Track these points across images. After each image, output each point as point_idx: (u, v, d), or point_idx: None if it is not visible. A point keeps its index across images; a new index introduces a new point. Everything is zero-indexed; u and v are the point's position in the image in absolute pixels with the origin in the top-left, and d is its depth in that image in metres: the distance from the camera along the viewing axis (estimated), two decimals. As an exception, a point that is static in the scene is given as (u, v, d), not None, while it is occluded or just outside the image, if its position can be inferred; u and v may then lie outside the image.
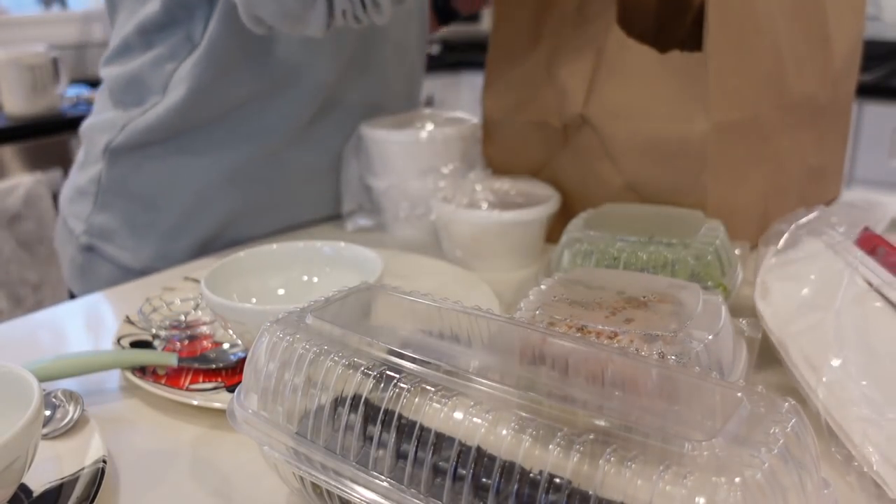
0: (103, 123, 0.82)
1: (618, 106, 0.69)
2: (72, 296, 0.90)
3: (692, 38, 0.70)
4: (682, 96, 0.65)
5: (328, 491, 0.36)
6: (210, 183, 0.82)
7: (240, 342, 0.56)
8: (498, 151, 0.82)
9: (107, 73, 0.84)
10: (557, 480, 0.29)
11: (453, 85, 2.56)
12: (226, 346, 0.58)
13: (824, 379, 0.45)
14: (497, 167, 0.81)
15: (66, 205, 0.88)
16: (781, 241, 0.57)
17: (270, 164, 0.83)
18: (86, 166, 0.85)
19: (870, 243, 0.55)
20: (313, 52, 0.80)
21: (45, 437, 0.45)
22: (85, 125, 0.87)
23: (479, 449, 0.31)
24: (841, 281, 0.52)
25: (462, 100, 2.57)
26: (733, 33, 0.64)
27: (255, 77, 0.79)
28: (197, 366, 0.55)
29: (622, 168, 0.70)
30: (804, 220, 0.60)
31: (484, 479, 0.30)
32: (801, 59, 0.70)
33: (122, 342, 0.59)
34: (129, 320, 0.62)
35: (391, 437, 0.33)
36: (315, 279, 0.63)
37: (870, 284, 0.52)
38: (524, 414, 0.31)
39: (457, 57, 2.50)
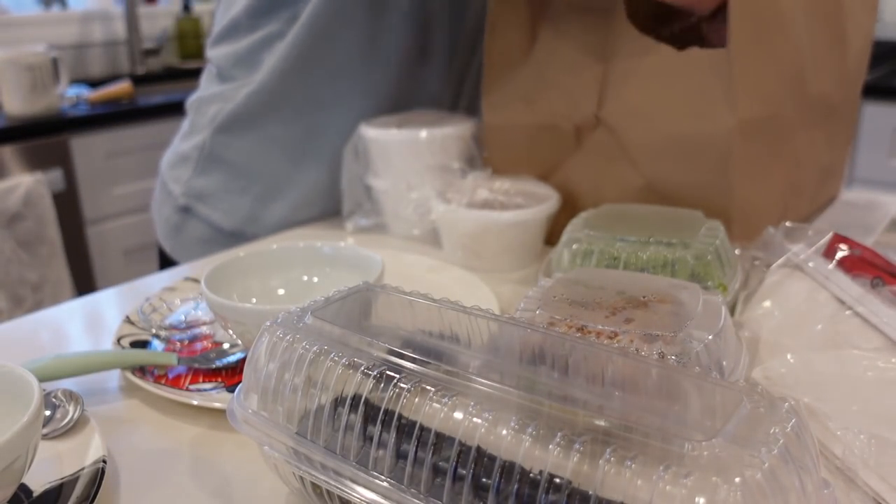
0: (212, 96, 0.91)
1: (636, 105, 0.68)
2: (162, 255, 0.97)
3: (689, 34, 0.70)
4: (706, 93, 0.64)
5: (328, 491, 0.36)
6: (301, 154, 0.88)
7: (240, 342, 0.56)
8: (503, 158, 0.80)
9: (215, 52, 0.92)
10: (557, 480, 0.29)
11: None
12: (226, 346, 0.58)
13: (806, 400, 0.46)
14: (503, 173, 0.79)
15: (167, 170, 0.96)
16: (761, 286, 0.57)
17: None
18: (191, 135, 0.93)
19: (833, 250, 0.56)
20: (397, 33, 0.86)
21: (45, 437, 0.45)
22: (193, 99, 0.95)
23: (479, 449, 0.31)
24: (813, 308, 0.53)
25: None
26: (756, 30, 0.62)
27: (348, 49, 0.85)
28: (197, 366, 0.55)
29: (642, 169, 0.69)
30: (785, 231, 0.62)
31: (484, 479, 0.30)
32: (820, 57, 0.68)
33: (122, 342, 0.59)
34: (129, 320, 0.62)
35: (391, 437, 0.33)
36: (315, 279, 0.63)
37: (841, 301, 0.53)
38: (524, 414, 0.31)
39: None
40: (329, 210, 0.92)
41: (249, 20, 0.88)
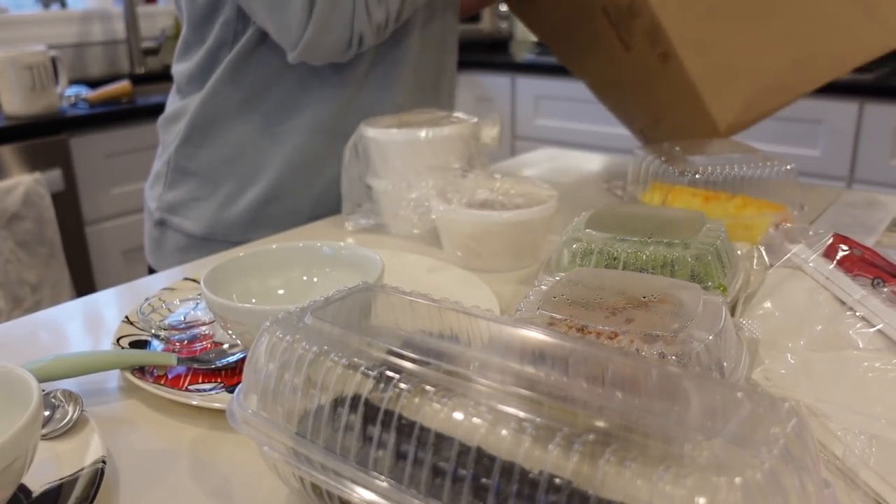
0: (172, 114, 0.97)
1: None
2: (151, 271, 1.03)
3: None
4: None
5: (328, 491, 0.36)
6: (259, 153, 0.93)
7: (239, 342, 0.56)
8: None
9: (175, 70, 0.97)
10: (557, 481, 0.29)
11: (453, 85, 2.55)
12: (225, 346, 0.58)
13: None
14: None
15: (147, 190, 1.02)
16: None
17: (313, 139, 0.92)
18: (161, 154, 1.00)
19: (833, 251, 0.56)
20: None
21: (44, 437, 0.45)
22: (160, 119, 1.00)
23: (479, 449, 0.31)
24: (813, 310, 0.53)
25: (462, 100, 2.57)
26: None
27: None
28: (197, 366, 0.55)
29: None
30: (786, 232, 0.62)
31: (484, 480, 0.30)
32: None
33: (122, 342, 0.59)
34: (128, 320, 0.62)
35: (391, 438, 0.33)
36: (315, 279, 0.63)
37: (841, 301, 0.53)
38: (524, 414, 0.31)
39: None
40: (294, 205, 0.95)
41: (194, 34, 0.93)
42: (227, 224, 0.95)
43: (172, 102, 0.99)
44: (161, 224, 0.98)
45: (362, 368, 0.35)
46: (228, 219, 0.95)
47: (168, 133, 0.98)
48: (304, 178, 0.94)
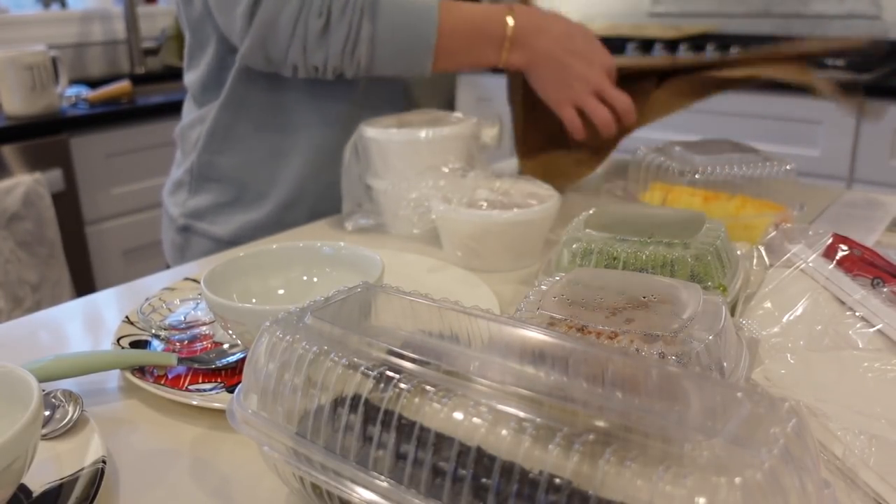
0: (191, 122, 0.98)
1: None
2: None
3: None
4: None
5: (328, 491, 0.36)
6: (281, 155, 0.93)
7: (240, 342, 0.56)
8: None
9: (187, 79, 0.98)
10: (557, 481, 0.29)
11: (453, 85, 2.55)
12: (226, 346, 0.58)
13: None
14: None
15: (166, 197, 1.03)
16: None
17: (332, 138, 0.93)
18: (181, 162, 1.00)
19: (833, 251, 0.57)
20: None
21: (44, 437, 0.45)
22: (177, 128, 1.01)
23: (479, 449, 0.31)
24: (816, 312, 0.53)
25: (462, 100, 2.56)
26: None
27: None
28: (197, 366, 0.55)
29: None
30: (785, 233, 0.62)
31: (484, 480, 0.30)
32: None
33: (122, 342, 0.59)
34: (128, 320, 0.62)
35: (391, 438, 0.33)
36: (315, 279, 0.63)
37: (841, 302, 0.53)
38: (524, 414, 0.31)
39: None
40: (317, 206, 0.95)
41: (195, 38, 0.94)
42: (254, 227, 0.95)
43: (189, 112, 1.00)
44: (186, 230, 0.99)
45: (362, 368, 0.35)
46: (255, 222, 0.95)
47: (187, 141, 0.98)
48: (327, 178, 0.94)
